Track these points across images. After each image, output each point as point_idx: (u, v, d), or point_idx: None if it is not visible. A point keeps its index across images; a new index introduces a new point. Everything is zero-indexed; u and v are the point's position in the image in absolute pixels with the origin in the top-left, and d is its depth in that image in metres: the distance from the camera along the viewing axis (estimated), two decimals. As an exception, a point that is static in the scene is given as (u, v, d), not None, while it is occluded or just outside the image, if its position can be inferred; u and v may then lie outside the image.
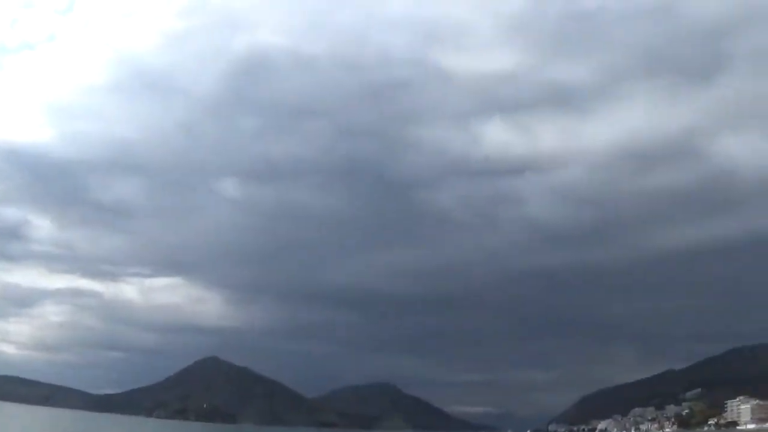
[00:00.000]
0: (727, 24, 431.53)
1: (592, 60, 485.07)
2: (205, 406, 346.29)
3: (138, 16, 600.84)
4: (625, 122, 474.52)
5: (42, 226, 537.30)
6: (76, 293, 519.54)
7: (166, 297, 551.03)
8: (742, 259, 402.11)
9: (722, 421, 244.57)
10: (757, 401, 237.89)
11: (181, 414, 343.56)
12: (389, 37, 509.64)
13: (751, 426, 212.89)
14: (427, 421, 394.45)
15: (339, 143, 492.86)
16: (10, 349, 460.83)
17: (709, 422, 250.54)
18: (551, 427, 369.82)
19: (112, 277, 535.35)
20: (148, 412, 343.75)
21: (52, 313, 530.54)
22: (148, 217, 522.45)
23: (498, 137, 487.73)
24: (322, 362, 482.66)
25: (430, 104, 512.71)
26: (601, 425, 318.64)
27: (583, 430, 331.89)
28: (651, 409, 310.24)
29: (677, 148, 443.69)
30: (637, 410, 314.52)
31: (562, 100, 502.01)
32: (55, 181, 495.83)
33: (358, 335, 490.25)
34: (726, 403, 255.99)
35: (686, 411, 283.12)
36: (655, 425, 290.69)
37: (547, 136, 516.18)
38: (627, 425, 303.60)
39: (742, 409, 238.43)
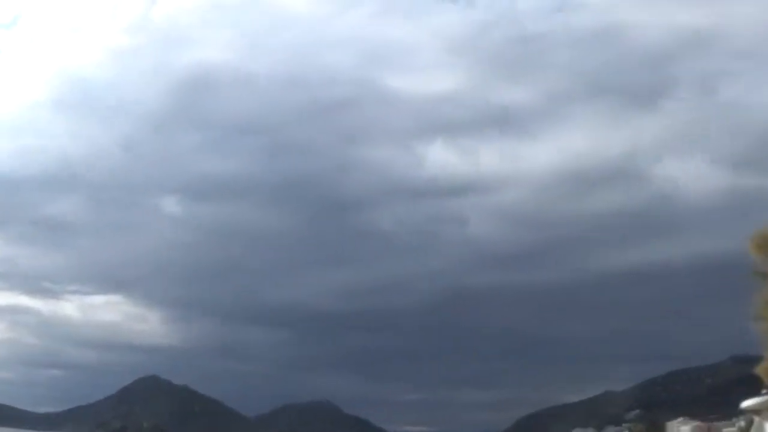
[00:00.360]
0: (672, 49, 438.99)
1: (536, 83, 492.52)
2: (145, 425, 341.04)
3: (84, 32, 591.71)
4: (568, 145, 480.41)
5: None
6: (16, 310, 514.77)
7: (107, 315, 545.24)
8: (682, 282, 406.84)
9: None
10: (697, 422, 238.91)
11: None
12: (333, 56, 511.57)
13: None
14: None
15: (281, 161, 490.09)
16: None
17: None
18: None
19: (52, 294, 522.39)
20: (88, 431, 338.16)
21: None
22: (89, 234, 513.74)
23: (441, 158, 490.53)
24: (262, 381, 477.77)
25: (373, 124, 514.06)
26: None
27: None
28: (591, 430, 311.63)
29: (619, 171, 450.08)
30: (577, 431, 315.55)
31: (506, 122, 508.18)
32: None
33: (298, 354, 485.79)
34: (666, 425, 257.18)
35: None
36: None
37: (490, 158, 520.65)
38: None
39: (682, 430, 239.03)
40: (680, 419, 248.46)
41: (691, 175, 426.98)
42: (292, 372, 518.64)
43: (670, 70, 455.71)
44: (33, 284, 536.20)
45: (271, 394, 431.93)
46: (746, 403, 23.16)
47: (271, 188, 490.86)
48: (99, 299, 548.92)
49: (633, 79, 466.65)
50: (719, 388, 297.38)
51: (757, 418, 22.56)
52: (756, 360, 33.99)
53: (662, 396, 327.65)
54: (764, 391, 25.05)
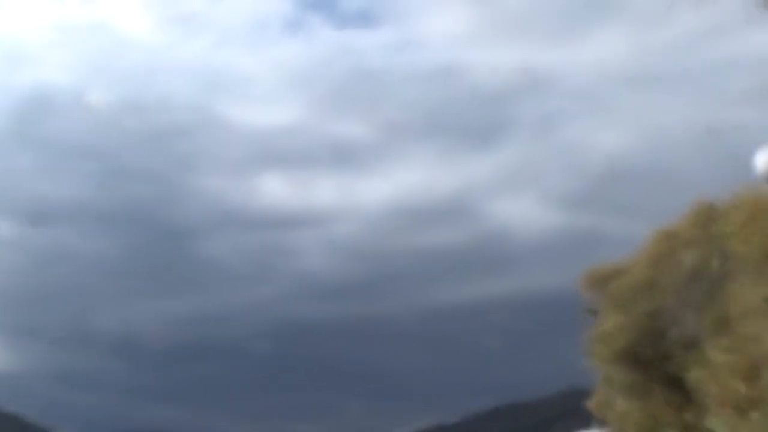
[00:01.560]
0: (510, 89, 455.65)
1: (374, 118, 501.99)
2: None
3: None
4: (403, 180, 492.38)
5: None
6: None
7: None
8: (513, 318, 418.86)
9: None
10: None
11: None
12: (173, 83, 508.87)
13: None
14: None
15: (116, 186, 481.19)
16: None
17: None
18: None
19: None
20: None
21: None
22: None
23: (275, 190, 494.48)
24: (92, 411, 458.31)
25: (210, 152, 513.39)
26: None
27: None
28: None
29: (453, 208, 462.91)
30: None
31: (341, 156, 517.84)
32: None
33: (131, 384, 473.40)
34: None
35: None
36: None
37: (324, 191, 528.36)
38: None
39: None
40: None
41: (525, 213, 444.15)
42: (125, 402, 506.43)
43: (508, 109, 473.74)
44: None
45: (104, 425, 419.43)
46: (575, 437, 23.72)
47: (106, 214, 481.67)
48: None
49: (471, 117, 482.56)
50: (549, 422, 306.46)
51: (586, 451, 23.11)
52: (586, 394, 34.92)
53: (492, 429, 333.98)
54: (593, 426, 25.71)
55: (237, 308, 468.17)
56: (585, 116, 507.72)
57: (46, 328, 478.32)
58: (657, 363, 23.59)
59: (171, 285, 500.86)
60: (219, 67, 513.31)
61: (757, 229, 12.53)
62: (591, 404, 31.58)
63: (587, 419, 29.02)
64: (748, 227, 12.75)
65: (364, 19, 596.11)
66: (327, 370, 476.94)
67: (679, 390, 19.95)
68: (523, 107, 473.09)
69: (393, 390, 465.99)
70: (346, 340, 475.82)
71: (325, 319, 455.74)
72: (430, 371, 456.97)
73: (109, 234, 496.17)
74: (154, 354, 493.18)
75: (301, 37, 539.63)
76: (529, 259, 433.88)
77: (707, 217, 20.39)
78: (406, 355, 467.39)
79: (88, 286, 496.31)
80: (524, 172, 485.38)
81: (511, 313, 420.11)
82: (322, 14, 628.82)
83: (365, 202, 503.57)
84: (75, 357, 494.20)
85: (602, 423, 27.14)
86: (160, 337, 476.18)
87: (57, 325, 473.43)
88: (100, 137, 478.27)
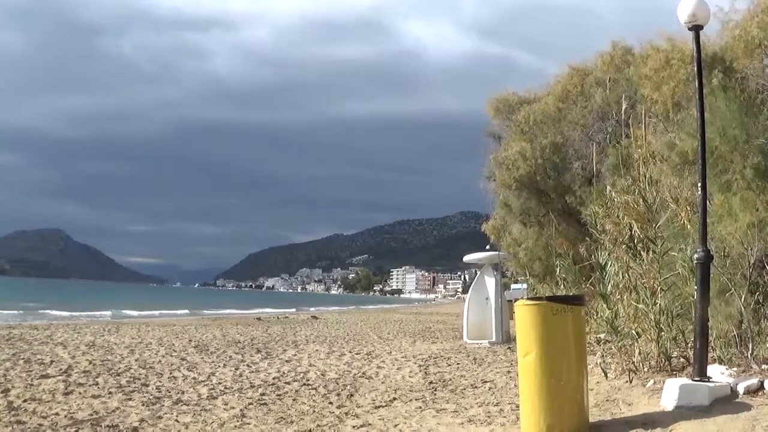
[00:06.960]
0: None
1: None
2: None
3: None
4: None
5: None
6: None
7: None
8: (419, 137, 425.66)
9: (387, 288, 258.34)
10: (422, 272, 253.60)
11: None
12: None
13: (415, 295, 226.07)
14: (97, 270, 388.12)
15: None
16: None
17: (375, 288, 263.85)
18: (219, 282, 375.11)
19: None
20: None
21: None
22: None
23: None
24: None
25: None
26: (269, 283, 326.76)
27: (251, 286, 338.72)
28: (318, 270, 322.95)
29: (366, 23, 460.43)
30: (305, 271, 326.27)
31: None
32: None
33: (31, 179, 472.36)
34: (392, 271, 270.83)
35: (353, 275, 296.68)
36: (322, 286, 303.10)
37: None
38: (294, 284, 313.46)
39: (407, 278, 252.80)
40: (405, 267, 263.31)
41: (438, 37, 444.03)
42: (25, 197, 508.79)
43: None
44: None
45: (4, 219, 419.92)
46: (469, 257, 24.56)
47: (10, 6, 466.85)
48: None
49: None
50: (446, 241, 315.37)
51: (479, 272, 24.07)
52: (483, 217, 36.02)
53: (390, 244, 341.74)
54: (487, 247, 26.64)
55: (141, 108, 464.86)
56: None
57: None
58: (556, 194, 24.39)
59: (76, 81, 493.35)
60: None
61: (669, 77, 12.82)
62: (487, 227, 32.71)
63: (483, 241, 30.05)
64: (661, 74, 13.03)
65: None
66: (229, 174, 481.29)
67: (575, 223, 20.74)
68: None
69: (294, 199, 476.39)
70: (250, 145, 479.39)
71: (229, 123, 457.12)
72: (332, 183, 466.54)
73: (13, 28, 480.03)
74: (55, 151, 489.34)
75: None
76: (438, 81, 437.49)
77: (622, 59, 20.72)
78: (308, 166, 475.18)
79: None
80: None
81: (416, 133, 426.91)
82: None
83: (278, 8, 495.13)
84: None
85: (496, 246, 28.16)
86: (62, 134, 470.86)
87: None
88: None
